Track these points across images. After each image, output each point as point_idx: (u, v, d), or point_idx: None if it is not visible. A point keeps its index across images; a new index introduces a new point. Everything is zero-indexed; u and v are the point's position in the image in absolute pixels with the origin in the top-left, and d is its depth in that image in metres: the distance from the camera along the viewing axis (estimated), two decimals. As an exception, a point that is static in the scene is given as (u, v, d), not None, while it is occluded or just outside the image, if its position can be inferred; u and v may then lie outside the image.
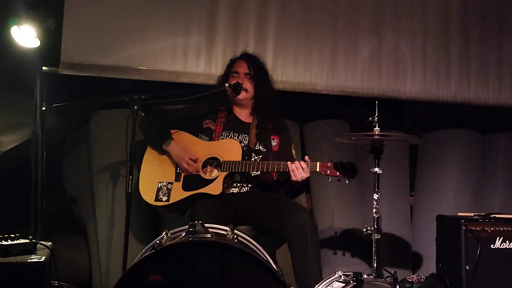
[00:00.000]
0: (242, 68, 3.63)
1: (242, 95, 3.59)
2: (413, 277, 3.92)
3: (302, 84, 4.28)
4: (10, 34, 3.55)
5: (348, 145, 4.33)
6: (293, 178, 3.24)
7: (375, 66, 4.40)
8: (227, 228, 2.63)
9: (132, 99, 3.22)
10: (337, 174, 3.20)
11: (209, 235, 2.48)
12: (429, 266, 4.40)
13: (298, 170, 3.22)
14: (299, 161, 3.25)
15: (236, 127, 3.62)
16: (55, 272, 2.81)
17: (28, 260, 2.50)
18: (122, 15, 3.94)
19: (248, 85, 3.60)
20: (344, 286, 2.80)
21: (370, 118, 3.16)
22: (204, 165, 3.49)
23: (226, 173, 3.39)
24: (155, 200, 3.48)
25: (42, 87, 3.77)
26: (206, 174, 3.46)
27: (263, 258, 2.61)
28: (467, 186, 4.85)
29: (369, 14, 4.40)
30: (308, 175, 3.24)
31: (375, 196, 3.13)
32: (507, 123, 4.88)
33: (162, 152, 3.56)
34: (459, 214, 3.97)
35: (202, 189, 3.40)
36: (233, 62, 3.73)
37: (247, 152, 3.51)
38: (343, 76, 4.35)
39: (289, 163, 3.25)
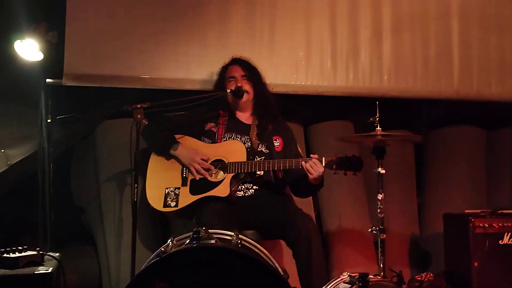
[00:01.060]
0: (238, 72, 3.66)
1: (245, 97, 3.61)
2: (421, 276, 3.93)
3: (304, 86, 4.28)
4: (13, 48, 3.60)
5: (353, 146, 4.33)
6: (311, 176, 3.23)
7: (376, 66, 4.39)
8: (232, 233, 2.63)
9: (134, 108, 3.26)
10: (343, 167, 3.18)
11: (213, 241, 2.48)
12: (438, 264, 4.40)
13: (314, 168, 3.21)
14: (310, 159, 3.24)
15: (238, 129, 3.63)
16: (64, 283, 2.82)
17: (36, 272, 2.51)
18: (123, 26, 3.97)
19: (247, 86, 3.63)
20: (350, 287, 2.80)
21: (371, 119, 3.16)
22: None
23: (233, 174, 3.40)
24: (164, 206, 3.47)
25: (47, 100, 3.82)
26: (212, 176, 3.47)
27: (268, 262, 2.60)
28: (474, 183, 4.83)
29: (368, 15, 4.39)
30: (323, 169, 3.22)
31: (379, 197, 3.13)
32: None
33: (167, 158, 3.56)
34: (466, 211, 3.96)
35: (209, 192, 3.40)
36: (225, 68, 3.74)
37: (251, 153, 3.50)
38: (345, 77, 4.34)
39: (303, 163, 3.24)
